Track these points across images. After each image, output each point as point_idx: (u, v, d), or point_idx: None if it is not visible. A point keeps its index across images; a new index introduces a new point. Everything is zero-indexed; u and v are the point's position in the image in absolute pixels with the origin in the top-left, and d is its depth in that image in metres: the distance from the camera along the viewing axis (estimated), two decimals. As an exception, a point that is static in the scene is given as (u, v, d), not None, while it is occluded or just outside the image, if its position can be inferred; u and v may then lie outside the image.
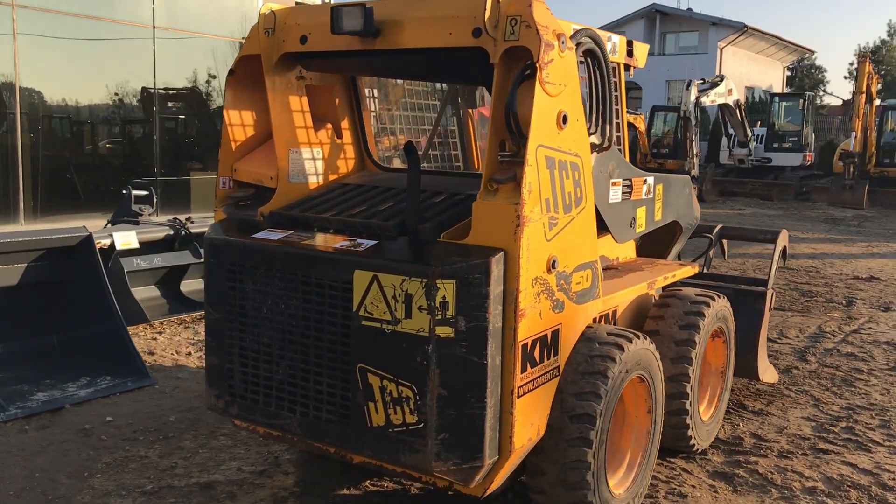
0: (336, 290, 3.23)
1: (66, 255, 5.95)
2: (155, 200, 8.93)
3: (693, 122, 19.89)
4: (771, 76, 42.73)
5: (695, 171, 20.61)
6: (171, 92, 13.99)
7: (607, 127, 3.87)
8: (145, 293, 7.59)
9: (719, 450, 4.82)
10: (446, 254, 3.14)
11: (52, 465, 4.39)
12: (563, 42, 3.18)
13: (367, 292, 3.14)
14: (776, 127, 24.92)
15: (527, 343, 3.18)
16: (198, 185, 13.64)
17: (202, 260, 7.84)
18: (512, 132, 3.17)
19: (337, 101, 4.15)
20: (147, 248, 7.65)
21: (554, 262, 3.28)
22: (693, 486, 4.33)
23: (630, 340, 3.68)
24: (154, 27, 12.74)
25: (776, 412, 5.49)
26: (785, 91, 40.37)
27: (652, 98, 34.73)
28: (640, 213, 4.41)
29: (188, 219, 8.71)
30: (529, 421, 3.27)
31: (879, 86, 22.47)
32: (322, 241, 3.42)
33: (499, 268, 3.06)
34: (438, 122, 5.10)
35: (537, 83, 3.09)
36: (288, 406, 3.44)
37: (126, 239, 7.29)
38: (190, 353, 6.54)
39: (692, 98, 19.48)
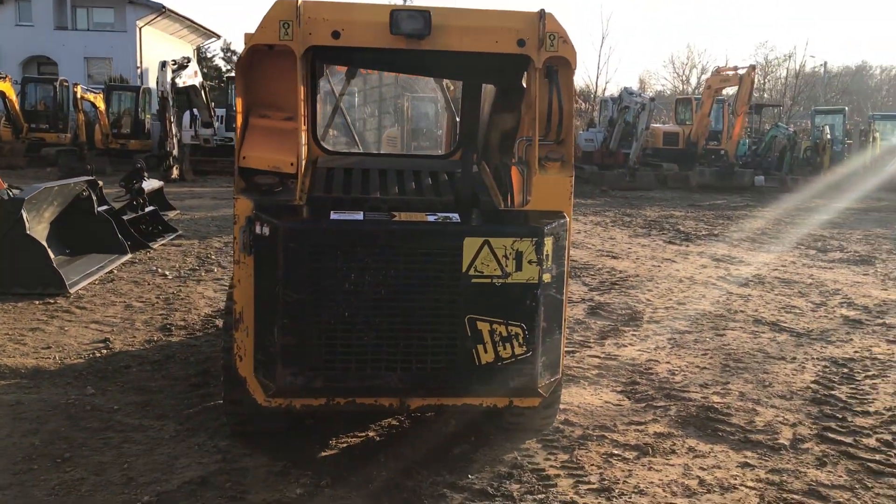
0: (444, 257, 3.82)
1: None
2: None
3: (170, 102, 20.36)
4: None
5: (175, 152, 21.32)
6: None
7: None
8: None
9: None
10: (526, 218, 4.01)
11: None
12: None
13: (477, 255, 3.82)
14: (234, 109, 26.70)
15: None
16: None
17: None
18: (550, 122, 4.14)
19: (302, 89, 4.48)
20: None
21: None
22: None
23: None
24: None
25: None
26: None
27: (69, 74, 31.62)
28: None
29: None
30: None
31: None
32: (407, 217, 3.93)
33: (568, 225, 4.06)
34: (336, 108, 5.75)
35: (573, 85, 4.13)
36: (386, 365, 3.86)
37: None
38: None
39: (168, 79, 19.95)
